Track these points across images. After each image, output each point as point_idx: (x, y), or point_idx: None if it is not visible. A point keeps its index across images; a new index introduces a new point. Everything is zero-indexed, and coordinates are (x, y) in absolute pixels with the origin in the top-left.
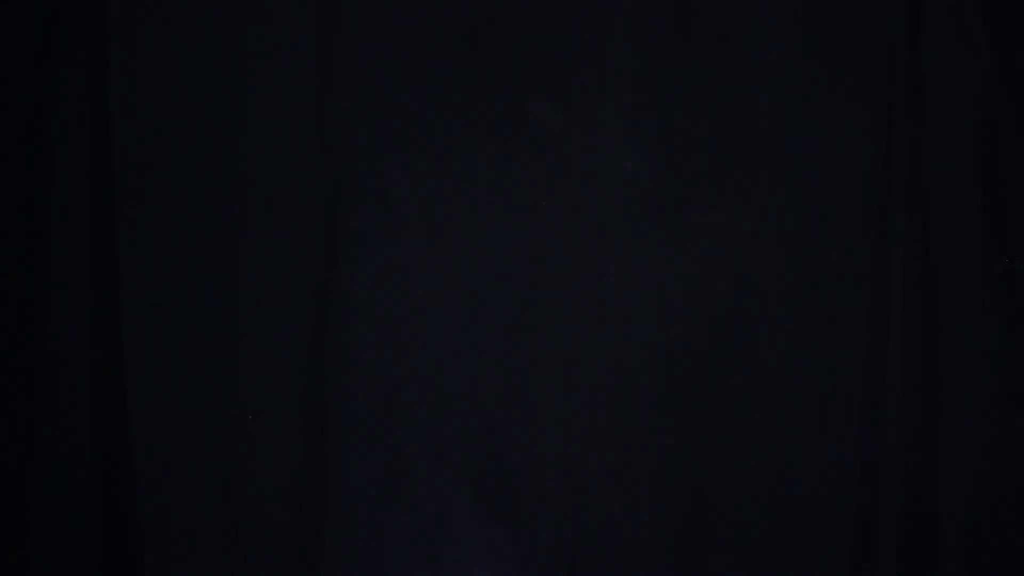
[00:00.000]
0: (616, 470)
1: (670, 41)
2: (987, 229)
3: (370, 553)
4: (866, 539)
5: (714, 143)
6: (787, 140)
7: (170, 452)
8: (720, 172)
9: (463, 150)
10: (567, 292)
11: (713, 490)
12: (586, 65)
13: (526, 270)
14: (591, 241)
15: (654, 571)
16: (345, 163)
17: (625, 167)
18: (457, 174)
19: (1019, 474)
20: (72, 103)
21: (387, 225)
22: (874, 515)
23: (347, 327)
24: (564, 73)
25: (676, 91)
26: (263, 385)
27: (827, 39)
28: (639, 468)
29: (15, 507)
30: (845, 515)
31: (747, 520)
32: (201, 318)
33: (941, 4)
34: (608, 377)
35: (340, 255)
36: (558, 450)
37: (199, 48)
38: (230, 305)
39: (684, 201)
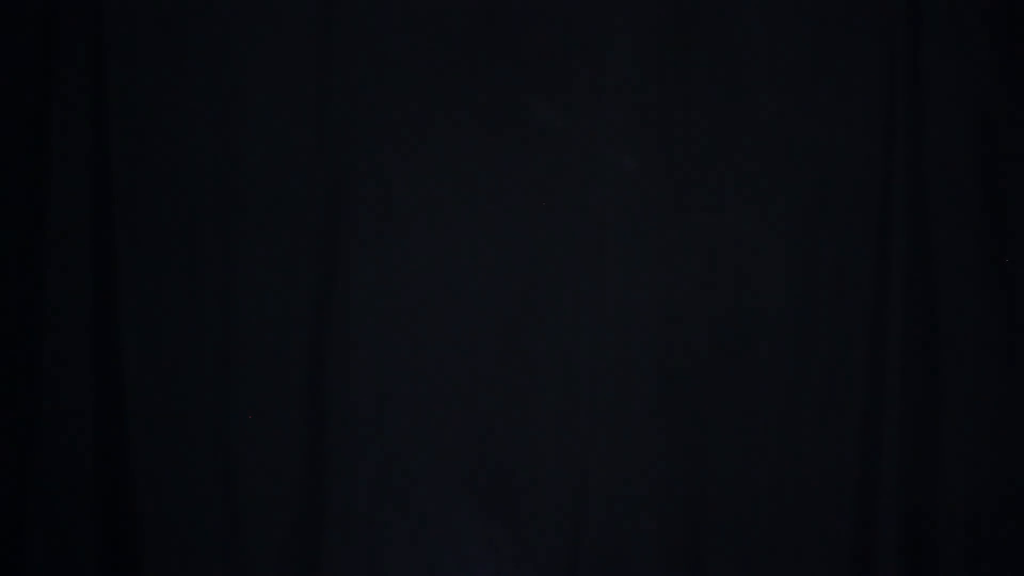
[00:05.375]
0: (616, 470)
1: (671, 42)
2: (987, 229)
3: (370, 553)
4: (866, 539)
5: (714, 143)
6: (787, 140)
7: (170, 452)
8: (720, 172)
9: (463, 150)
10: (567, 292)
11: (713, 490)
12: (586, 65)
13: (526, 270)
14: (591, 241)
15: (654, 571)
16: (345, 163)
17: (625, 167)
18: (457, 174)
19: (1019, 474)
20: (72, 104)
21: (387, 225)
22: (874, 515)
23: (347, 327)
24: (564, 73)
25: (676, 91)
26: (263, 385)
27: (827, 39)
28: (639, 468)
29: (15, 506)
30: (845, 515)
31: (747, 520)
32: (201, 318)
33: (941, 4)
34: (608, 377)
35: (340, 255)
36: (558, 450)
37: (199, 49)
38: (230, 305)
39: (684, 201)
